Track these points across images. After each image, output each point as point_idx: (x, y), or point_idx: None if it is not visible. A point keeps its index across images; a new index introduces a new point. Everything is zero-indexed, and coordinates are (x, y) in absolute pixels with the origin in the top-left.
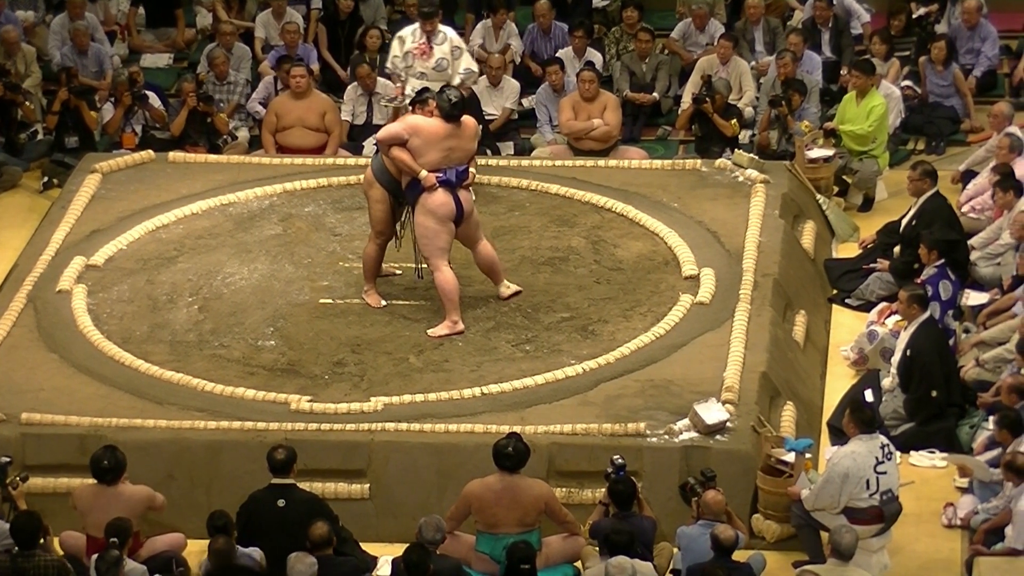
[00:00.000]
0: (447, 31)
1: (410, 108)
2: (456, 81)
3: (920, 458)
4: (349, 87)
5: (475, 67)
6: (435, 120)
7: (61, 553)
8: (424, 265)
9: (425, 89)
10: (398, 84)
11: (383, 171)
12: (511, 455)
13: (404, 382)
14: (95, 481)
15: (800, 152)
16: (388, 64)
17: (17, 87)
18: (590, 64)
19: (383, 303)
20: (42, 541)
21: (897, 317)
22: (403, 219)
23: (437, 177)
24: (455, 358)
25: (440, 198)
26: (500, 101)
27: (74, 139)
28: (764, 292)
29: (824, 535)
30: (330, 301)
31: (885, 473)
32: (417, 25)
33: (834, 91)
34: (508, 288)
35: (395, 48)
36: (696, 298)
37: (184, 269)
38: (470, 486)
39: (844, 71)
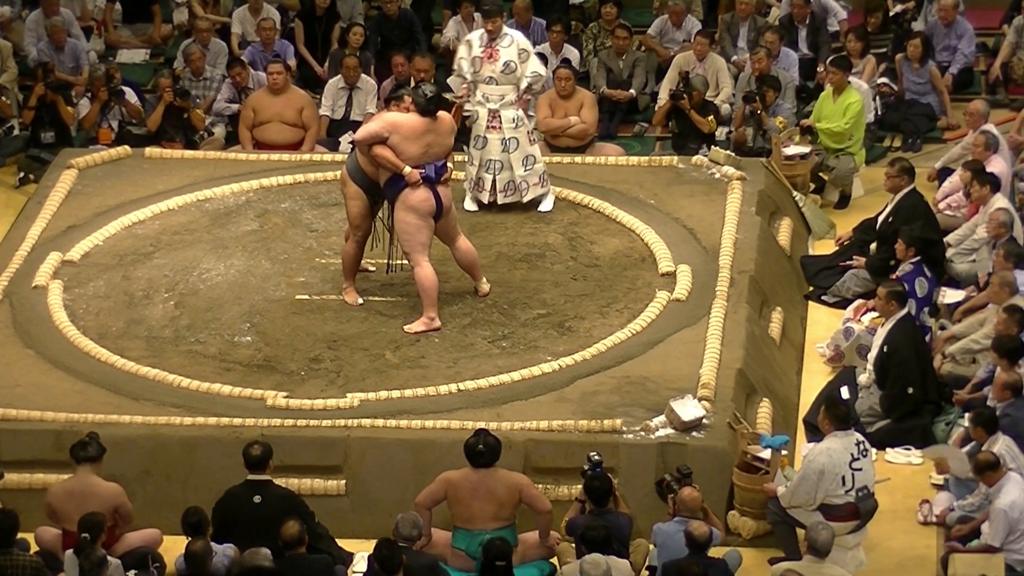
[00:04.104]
0: (513, 33)
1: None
2: (523, 85)
3: (896, 455)
4: (331, 81)
5: (543, 71)
6: (412, 115)
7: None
8: (387, 260)
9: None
10: (464, 86)
11: (357, 169)
12: (483, 452)
13: (381, 378)
14: (68, 476)
15: (777, 149)
16: (456, 66)
17: None
18: (566, 61)
19: (360, 301)
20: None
21: (873, 314)
22: (382, 215)
23: (419, 173)
24: (432, 354)
25: (421, 194)
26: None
27: (50, 135)
28: (740, 289)
29: (800, 532)
30: (307, 297)
31: (861, 470)
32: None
33: (811, 88)
34: (486, 285)
35: (462, 51)
36: (672, 295)
37: (160, 265)
38: (447, 473)
39: (821, 68)
